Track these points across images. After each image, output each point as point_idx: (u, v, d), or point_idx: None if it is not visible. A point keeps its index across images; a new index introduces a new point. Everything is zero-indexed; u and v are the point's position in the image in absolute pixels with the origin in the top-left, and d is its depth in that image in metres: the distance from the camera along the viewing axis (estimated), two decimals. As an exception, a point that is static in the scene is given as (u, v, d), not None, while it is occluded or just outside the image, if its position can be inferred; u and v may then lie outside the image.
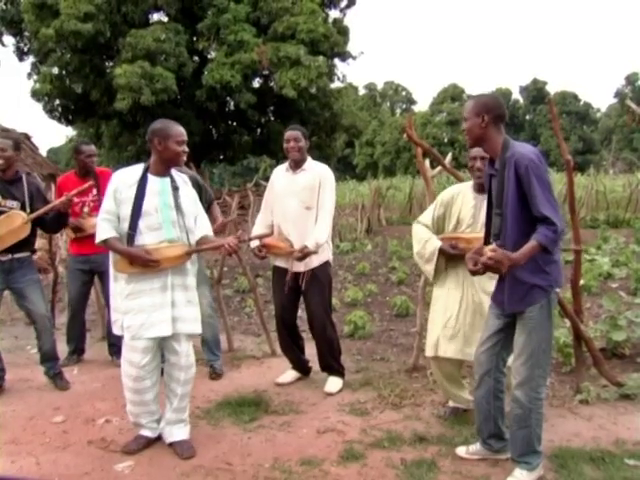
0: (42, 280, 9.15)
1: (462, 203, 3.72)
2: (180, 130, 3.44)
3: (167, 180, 3.44)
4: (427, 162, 4.81)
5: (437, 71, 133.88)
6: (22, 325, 6.67)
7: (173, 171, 3.54)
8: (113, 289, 3.49)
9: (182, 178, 3.58)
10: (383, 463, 3.34)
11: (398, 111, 64.89)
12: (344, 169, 53.66)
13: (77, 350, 5.40)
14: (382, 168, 52.29)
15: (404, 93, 67.15)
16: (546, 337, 3.01)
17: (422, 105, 63.43)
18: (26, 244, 4.49)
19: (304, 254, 4.26)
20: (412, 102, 66.74)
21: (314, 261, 4.41)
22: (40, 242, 9.79)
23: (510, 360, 3.22)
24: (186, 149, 3.46)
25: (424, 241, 3.78)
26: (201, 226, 3.55)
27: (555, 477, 3.15)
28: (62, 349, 5.34)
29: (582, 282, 7.95)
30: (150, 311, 3.34)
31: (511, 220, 2.92)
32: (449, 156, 4.61)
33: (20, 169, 4.62)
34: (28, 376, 4.86)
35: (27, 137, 18.61)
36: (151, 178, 3.40)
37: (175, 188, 3.44)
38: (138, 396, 3.49)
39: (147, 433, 3.60)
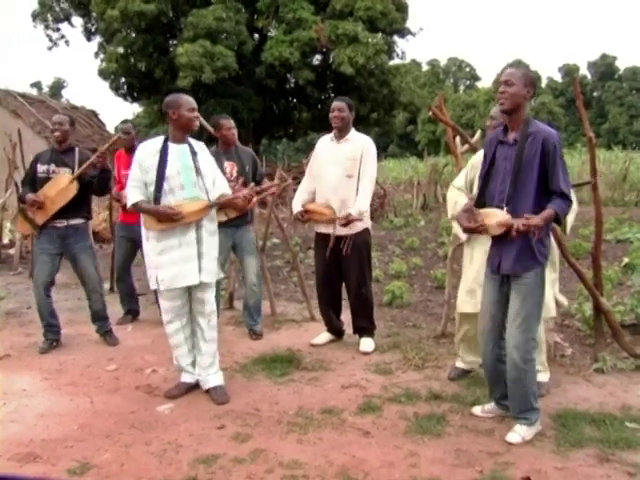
0: (104, 249, 9.81)
1: None
2: (189, 99, 3.85)
3: (186, 146, 3.85)
4: (458, 139, 5.02)
5: (502, 47, 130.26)
6: (85, 288, 7.23)
7: (191, 139, 3.93)
8: (146, 248, 3.91)
9: (199, 145, 3.96)
10: (397, 415, 3.64)
11: (462, 87, 63.60)
12: (406, 146, 53.11)
13: (131, 311, 5.92)
14: (444, 145, 51.53)
15: (468, 69, 65.60)
16: (538, 303, 3.27)
17: (486, 81, 61.72)
18: (79, 211, 4.89)
19: (348, 221, 4.53)
20: (476, 78, 65.14)
21: (356, 227, 4.68)
22: (102, 215, 10.45)
23: None
24: (197, 115, 3.87)
25: (454, 202, 4.04)
26: (219, 186, 3.92)
27: (554, 434, 3.36)
28: (120, 310, 5.91)
29: (627, 260, 8.01)
30: (181, 263, 3.77)
31: (533, 190, 3.17)
32: (478, 134, 4.79)
33: (74, 142, 5.00)
34: (87, 332, 5.37)
35: (95, 114, 19.41)
36: (171, 146, 3.82)
37: (194, 153, 3.85)
38: (174, 339, 3.95)
39: (187, 379, 4.02)
